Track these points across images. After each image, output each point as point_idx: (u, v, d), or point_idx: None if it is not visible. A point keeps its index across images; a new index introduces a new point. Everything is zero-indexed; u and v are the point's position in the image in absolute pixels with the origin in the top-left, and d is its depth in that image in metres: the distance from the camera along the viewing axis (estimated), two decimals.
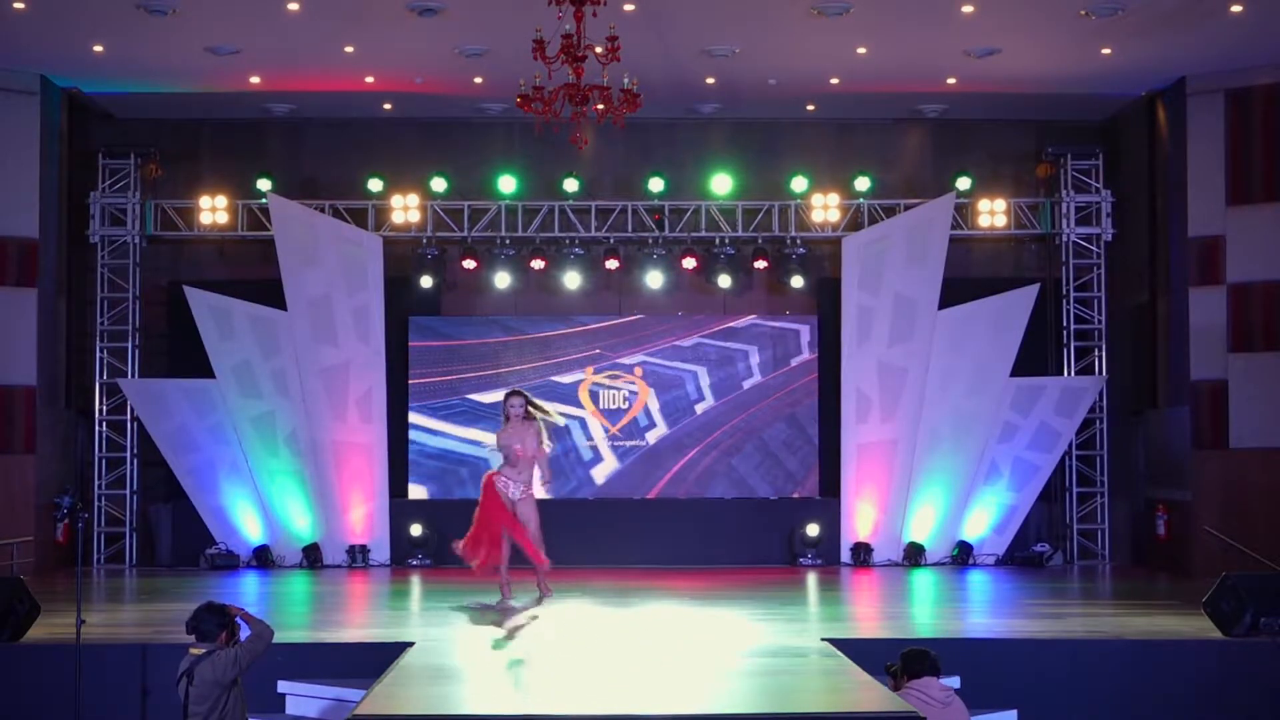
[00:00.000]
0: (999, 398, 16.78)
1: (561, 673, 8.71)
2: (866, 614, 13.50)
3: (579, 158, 16.43)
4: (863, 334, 16.87)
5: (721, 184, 17.23)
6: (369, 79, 16.04)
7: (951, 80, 16.09)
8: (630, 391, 17.21)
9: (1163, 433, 16.67)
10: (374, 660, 9.43)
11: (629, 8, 13.38)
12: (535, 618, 11.63)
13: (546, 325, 17.38)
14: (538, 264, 17.13)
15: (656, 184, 17.12)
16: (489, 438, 14.70)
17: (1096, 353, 17.40)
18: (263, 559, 16.57)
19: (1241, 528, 15.11)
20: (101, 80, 16.19)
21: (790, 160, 17.47)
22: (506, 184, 17.17)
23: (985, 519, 16.96)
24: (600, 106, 12.03)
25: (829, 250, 17.47)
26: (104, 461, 17.16)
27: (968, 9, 13.72)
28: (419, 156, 17.42)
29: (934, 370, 16.76)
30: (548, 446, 12.45)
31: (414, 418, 17.04)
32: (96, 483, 17.08)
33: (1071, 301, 17.40)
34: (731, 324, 17.29)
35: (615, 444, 17.19)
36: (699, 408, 17.20)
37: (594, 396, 17.21)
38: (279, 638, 8.49)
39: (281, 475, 16.74)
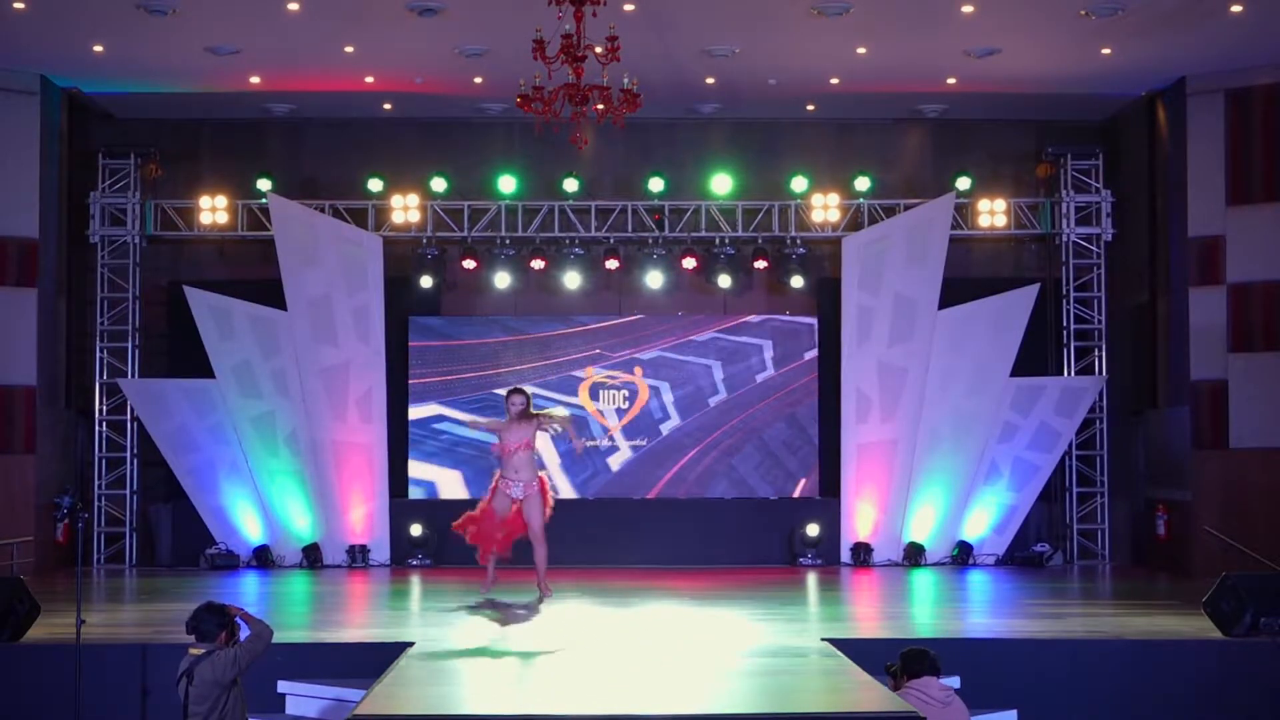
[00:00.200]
0: (999, 398, 16.78)
1: (561, 673, 8.71)
2: (866, 614, 13.50)
3: (579, 158, 16.42)
4: (863, 334, 16.87)
5: (721, 184, 17.23)
6: (369, 79, 16.04)
7: (951, 80, 16.09)
8: (630, 391, 17.21)
9: (1163, 433, 16.67)
10: (374, 660, 9.42)
11: (629, 8, 13.38)
12: (535, 618, 11.63)
13: (546, 325, 17.38)
14: (538, 264, 17.13)
15: (656, 184, 17.12)
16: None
17: (1096, 353, 17.40)
18: (263, 559, 16.57)
19: (1241, 528, 15.11)
20: (101, 80, 16.19)
21: (790, 160, 17.47)
22: (506, 184, 17.17)
23: (985, 519, 16.96)
24: (600, 106, 12.02)
25: (829, 250, 17.47)
26: (104, 461, 17.17)
27: (968, 9, 13.72)
28: (419, 156, 17.42)
29: (934, 370, 16.76)
30: (575, 442, 12.69)
31: (443, 410, 17.02)
32: (96, 483, 17.08)
33: (1071, 301, 17.40)
34: (732, 324, 17.28)
35: (615, 444, 17.18)
36: (702, 406, 17.19)
37: (594, 396, 17.21)
38: (279, 638, 8.49)
39: (281, 475, 16.74)
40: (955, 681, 9.20)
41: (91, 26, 14.34)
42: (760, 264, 17.17)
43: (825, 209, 17.30)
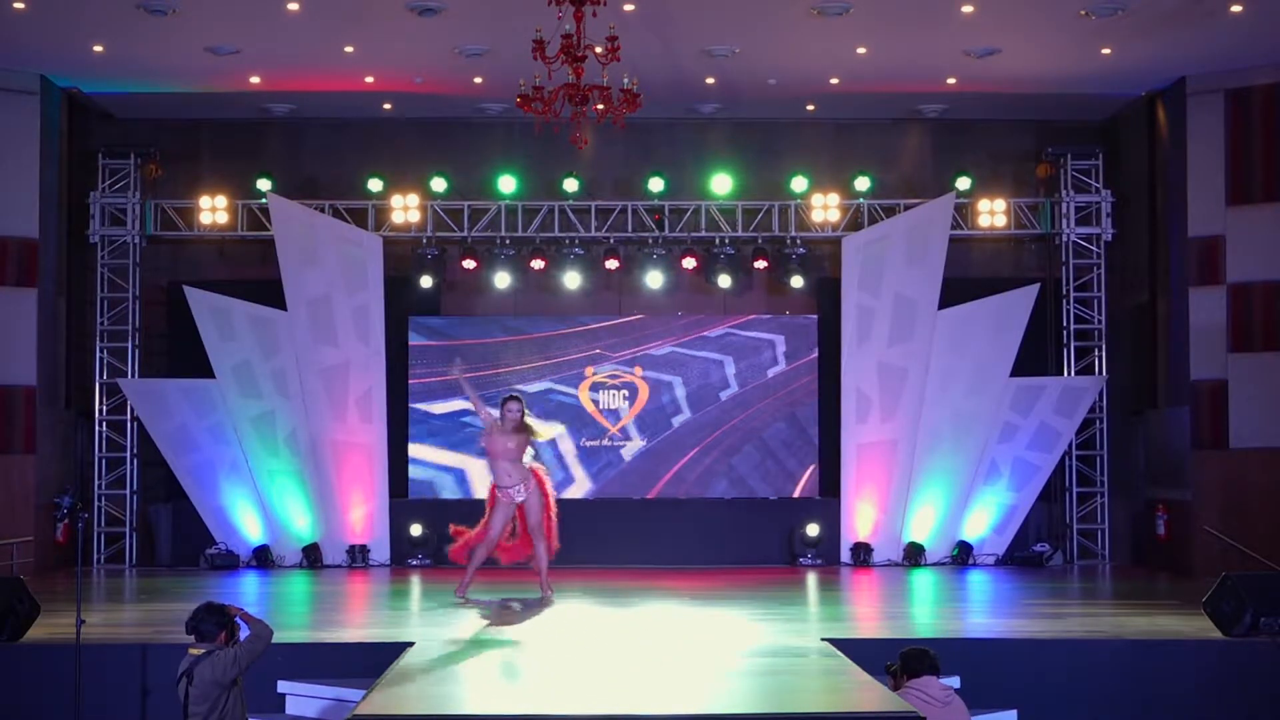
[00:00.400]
0: (999, 398, 16.79)
1: (561, 673, 8.71)
2: (866, 614, 13.50)
3: (579, 158, 16.43)
4: (863, 334, 16.87)
5: (721, 184, 17.23)
6: (369, 79, 16.04)
7: (951, 80, 16.09)
8: (630, 391, 17.21)
9: (1163, 433, 16.67)
10: (374, 660, 9.43)
11: (629, 8, 13.38)
12: (535, 618, 11.63)
13: (546, 325, 17.38)
14: (538, 264, 17.13)
15: (656, 184, 17.12)
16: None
17: (1096, 353, 17.40)
18: (263, 559, 16.57)
19: (1241, 528, 15.11)
20: (101, 80, 16.19)
21: (790, 160, 17.47)
22: (506, 184, 17.17)
23: (985, 519, 16.96)
24: (600, 106, 12.02)
25: (829, 250, 17.47)
26: (104, 461, 17.17)
27: (968, 9, 13.72)
28: (419, 156, 17.43)
29: (934, 370, 16.76)
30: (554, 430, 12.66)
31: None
32: (96, 483, 17.08)
33: (1071, 301, 17.40)
34: (733, 323, 17.28)
35: (615, 444, 17.18)
36: (702, 407, 17.20)
37: (594, 396, 17.21)
38: (279, 638, 8.49)
39: (281, 475, 16.74)
40: (955, 681, 9.21)
41: (91, 26, 14.34)
42: (760, 264, 17.17)
43: (825, 209, 17.30)
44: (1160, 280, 16.76)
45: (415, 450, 17.07)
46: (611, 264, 17.10)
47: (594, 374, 17.23)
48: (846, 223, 17.34)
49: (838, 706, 7.56)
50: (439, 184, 17.14)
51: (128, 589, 15.24)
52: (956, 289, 16.93)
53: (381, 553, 16.84)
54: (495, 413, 12.46)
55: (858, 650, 9.21)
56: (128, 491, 17.05)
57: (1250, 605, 10.39)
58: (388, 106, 17.11)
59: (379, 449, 16.81)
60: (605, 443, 17.20)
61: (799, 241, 17.27)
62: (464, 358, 17.14)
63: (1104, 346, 17.39)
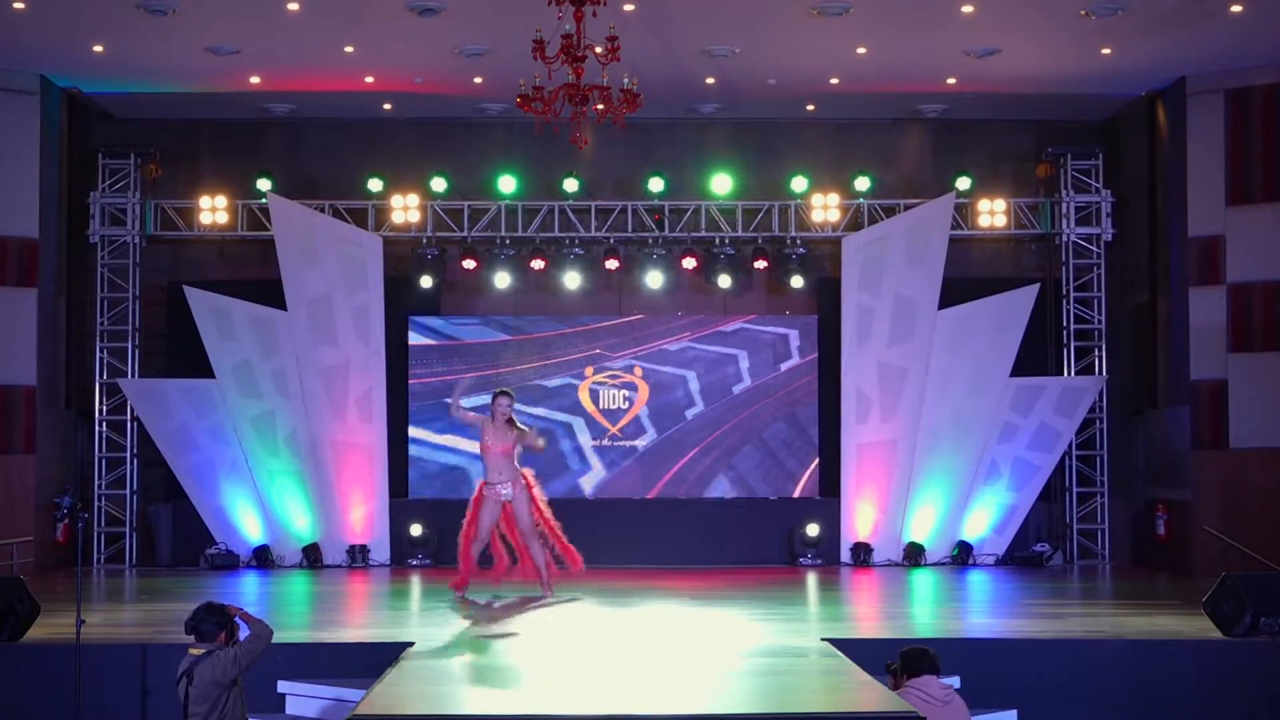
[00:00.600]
0: (999, 398, 16.78)
1: (561, 673, 8.71)
2: (866, 614, 13.50)
3: (579, 158, 16.42)
4: (863, 334, 16.87)
5: (721, 184, 17.23)
6: (369, 79, 16.04)
7: (951, 80, 16.09)
8: (630, 391, 17.21)
9: (1163, 433, 16.67)
10: (374, 660, 9.43)
11: (629, 8, 13.38)
12: (535, 618, 11.63)
13: (546, 325, 17.38)
14: (538, 264, 17.13)
15: (656, 184, 17.12)
16: None
17: (1096, 353, 17.40)
18: (263, 559, 16.57)
19: (1241, 528, 15.11)
20: (101, 80, 16.19)
21: (790, 160, 17.47)
22: (506, 184, 17.17)
23: (985, 519, 16.96)
24: (600, 106, 12.02)
25: (829, 250, 17.47)
26: (104, 461, 17.16)
27: (968, 9, 13.72)
28: (419, 156, 17.43)
29: (934, 370, 16.76)
30: (540, 442, 12.70)
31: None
32: (96, 483, 17.08)
33: (1071, 301, 17.39)
34: (733, 323, 17.28)
35: (616, 444, 17.19)
36: (702, 407, 17.19)
37: (594, 397, 17.22)
38: (279, 638, 8.49)
39: (281, 475, 16.74)
40: (955, 681, 9.20)
41: (91, 26, 14.34)
42: (760, 264, 17.17)
43: (825, 209, 17.30)
44: (1160, 280, 16.76)
45: (415, 432, 17.10)
46: (611, 264, 17.10)
47: (594, 374, 17.23)
48: (846, 223, 17.34)
49: (838, 706, 7.56)
50: (439, 184, 17.14)
51: (128, 589, 15.24)
52: (956, 289, 16.93)
53: (381, 553, 16.83)
54: (473, 415, 12.76)
55: (858, 650, 9.21)
56: (128, 491, 17.05)
57: (1250, 605, 10.39)
58: (388, 106, 17.11)
59: (379, 449, 16.81)
60: (605, 442, 17.20)
61: (799, 241, 17.27)
62: (464, 358, 17.17)
63: (1104, 346, 17.38)
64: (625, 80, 12.00)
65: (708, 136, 17.76)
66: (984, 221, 17.36)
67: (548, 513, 12.71)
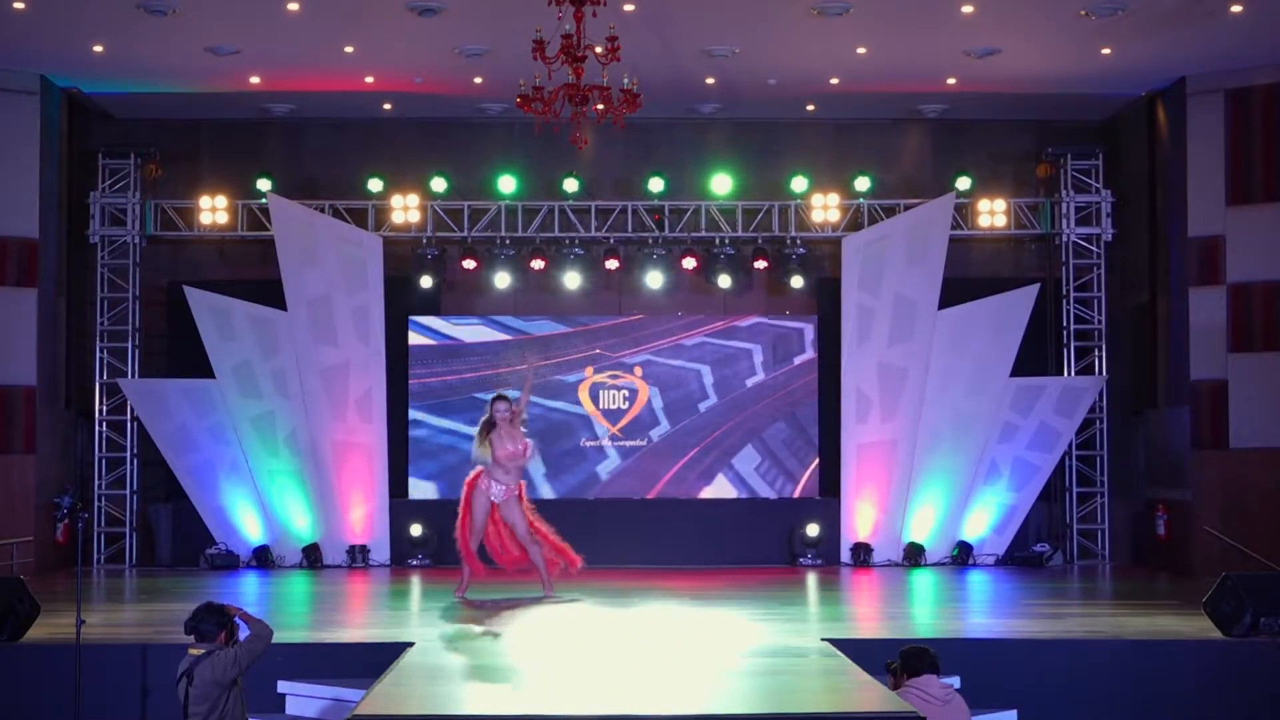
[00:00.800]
0: (999, 398, 16.78)
1: (561, 673, 8.71)
2: (866, 614, 13.50)
3: (579, 158, 16.42)
4: (863, 334, 16.87)
5: (721, 184, 17.23)
6: (369, 79, 16.04)
7: (951, 80, 16.09)
8: (630, 391, 17.21)
9: (1163, 433, 16.67)
10: (374, 660, 9.42)
11: (629, 8, 13.38)
12: (535, 618, 11.63)
13: (546, 325, 17.38)
14: (538, 264, 17.13)
15: (656, 184, 17.12)
16: None
17: (1096, 353, 17.40)
18: (263, 559, 16.56)
19: (1241, 528, 15.11)
20: (101, 80, 16.19)
21: (790, 160, 17.47)
22: (506, 184, 17.17)
23: (985, 519, 16.95)
24: (600, 106, 12.03)
25: (829, 250, 17.47)
26: (104, 461, 17.16)
27: (968, 9, 13.72)
28: (419, 156, 17.43)
29: (934, 370, 16.76)
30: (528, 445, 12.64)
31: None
32: (96, 483, 17.08)
33: (1071, 301, 17.39)
34: (733, 324, 17.29)
35: (616, 444, 17.19)
36: (701, 407, 17.20)
37: (594, 396, 17.22)
38: (279, 638, 8.49)
39: (281, 475, 16.74)
40: (955, 681, 9.20)
41: (91, 26, 14.34)
42: (760, 264, 17.17)
43: (825, 209, 17.30)
44: (1160, 280, 16.76)
45: (415, 414, 17.13)
46: (611, 264, 17.10)
47: (594, 374, 17.24)
48: (846, 223, 17.34)
49: (838, 706, 7.56)
50: (439, 184, 17.14)
51: (128, 589, 15.24)
52: (956, 289, 16.93)
53: (381, 553, 16.83)
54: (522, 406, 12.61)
55: (858, 650, 9.21)
56: (128, 491, 17.05)
57: (1250, 605, 10.39)
58: (388, 106, 17.11)
59: (379, 449, 16.81)
60: (605, 442, 17.20)
61: (799, 241, 17.27)
62: (464, 358, 17.18)
63: (1104, 346, 17.38)
64: (625, 80, 12.00)
65: (708, 136, 17.76)
66: (984, 221, 17.36)
67: (539, 521, 12.70)
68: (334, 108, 17.15)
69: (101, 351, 17.17)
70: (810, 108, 17.25)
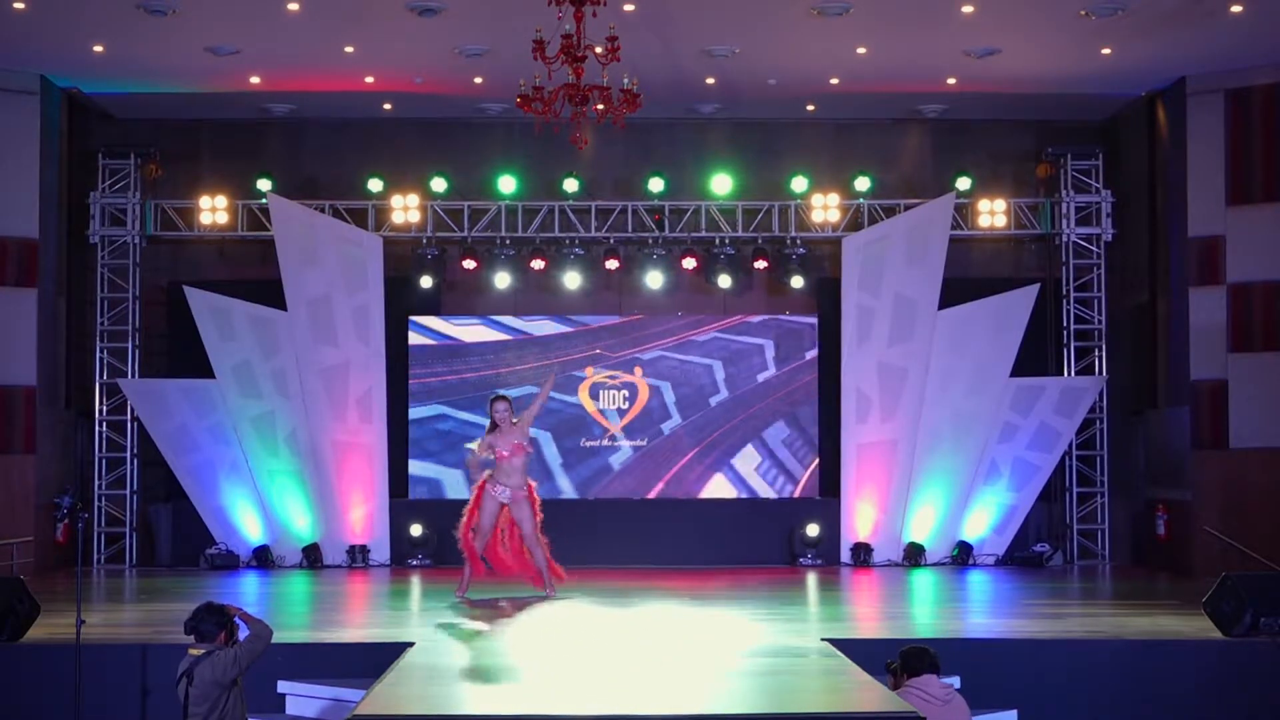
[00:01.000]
0: (999, 398, 16.78)
1: (561, 673, 8.71)
2: (866, 614, 13.50)
3: (579, 158, 16.42)
4: (863, 334, 16.87)
5: (721, 184, 17.23)
6: (369, 79, 16.04)
7: (951, 80, 16.09)
8: (631, 390, 17.21)
9: (1163, 433, 16.67)
10: (374, 660, 9.42)
11: (629, 8, 13.38)
12: (535, 618, 11.63)
13: (546, 325, 17.38)
14: (538, 264, 17.13)
15: (656, 184, 17.12)
16: None
17: (1096, 353, 17.40)
18: (263, 559, 16.56)
19: (1241, 528, 15.11)
20: (101, 80, 16.19)
21: (790, 160, 17.47)
22: (506, 184, 17.17)
23: (985, 519, 16.95)
24: (600, 106, 12.03)
25: (829, 250, 17.47)
26: (104, 461, 17.16)
27: (968, 9, 13.72)
28: (419, 156, 17.43)
29: (934, 370, 16.76)
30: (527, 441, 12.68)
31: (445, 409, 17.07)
32: (96, 483, 17.08)
33: (1071, 301, 17.39)
34: (745, 319, 17.28)
35: (615, 443, 17.19)
36: (712, 401, 17.18)
37: (594, 396, 17.22)
38: (279, 638, 8.49)
39: (281, 475, 16.74)
40: (955, 681, 9.20)
41: (91, 26, 14.34)
42: (760, 264, 17.17)
43: (825, 209, 17.30)
44: (1160, 280, 16.76)
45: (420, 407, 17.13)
46: (611, 264, 17.10)
47: (594, 374, 17.24)
48: (846, 223, 17.34)
49: (838, 706, 7.56)
50: (439, 184, 17.14)
51: (128, 589, 15.24)
52: (956, 289, 16.93)
53: (381, 553, 16.83)
54: (484, 455, 12.53)
55: (858, 650, 9.20)
56: (128, 491, 17.05)
57: (1250, 605, 10.38)
58: (388, 106, 17.11)
59: (379, 449, 16.81)
60: (605, 443, 17.20)
61: (799, 241, 17.27)
62: (464, 358, 17.17)
63: (1104, 346, 17.38)
64: (625, 80, 12.01)
65: (708, 136, 17.76)
66: (984, 221, 17.36)
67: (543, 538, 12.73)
68: (334, 108, 17.16)
69: (101, 351, 17.17)
70: (810, 108, 17.25)
